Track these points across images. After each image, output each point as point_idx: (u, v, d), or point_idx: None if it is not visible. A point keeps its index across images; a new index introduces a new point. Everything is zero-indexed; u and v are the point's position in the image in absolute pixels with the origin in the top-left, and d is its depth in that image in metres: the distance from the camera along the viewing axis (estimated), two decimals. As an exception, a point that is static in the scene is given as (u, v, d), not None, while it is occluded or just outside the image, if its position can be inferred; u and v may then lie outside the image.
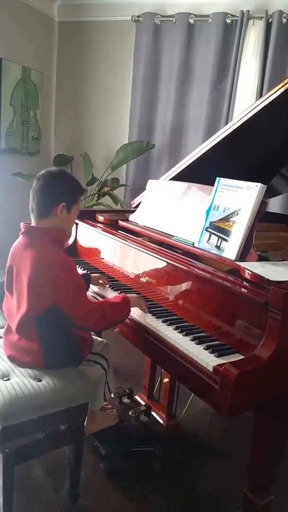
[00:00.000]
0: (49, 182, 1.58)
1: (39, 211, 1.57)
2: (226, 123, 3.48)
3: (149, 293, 1.80)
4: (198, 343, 1.41)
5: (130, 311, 1.62)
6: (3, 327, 1.85)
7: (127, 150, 3.80)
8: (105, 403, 1.94)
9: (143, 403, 2.18)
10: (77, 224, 2.35)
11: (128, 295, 1.68)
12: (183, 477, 1.85)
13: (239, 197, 1.60)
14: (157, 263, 1.76)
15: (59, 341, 1.57)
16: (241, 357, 1.31)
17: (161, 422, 2.07)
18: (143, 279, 1.85)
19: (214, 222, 1.65)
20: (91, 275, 1.97)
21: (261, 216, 1.56)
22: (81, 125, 4.31)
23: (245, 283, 1.39)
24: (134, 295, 1.71)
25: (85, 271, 2.03)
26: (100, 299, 1.87)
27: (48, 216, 1.57)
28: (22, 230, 1.60)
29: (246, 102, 3.52)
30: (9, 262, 1.64)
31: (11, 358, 1.61)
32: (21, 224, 1.61)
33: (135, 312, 1.68)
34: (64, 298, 1.49)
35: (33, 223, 1.60)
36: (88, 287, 1.92)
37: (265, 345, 1.26)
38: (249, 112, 1.82)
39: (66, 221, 1.62)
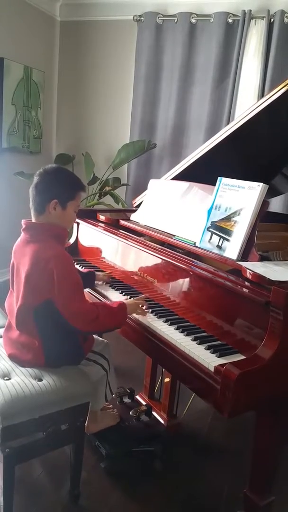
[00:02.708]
0: (43, 179, 1.60)
1: (36, 209, 1.59)
2: (228, 122, 3.48)
3: (150, 293, 1.79)
4: (200, 343, 1.41)
5: (126, 318, 1.60)
6: (2, 327, 1.86)
7: (128, 149, 3.80)
8: (106, 403, 1.94)
9: (144, 403, 2.18)
10: (78, 223, 2.36)
11: (126, 301, 1.65)
12: (184, 477, 1.85)
13: (241, 196, 1.59)
14: (158, 262, 1.76)
15: (59, 337, 1.57)
16: (243, 357, 1.31)
17: (162, 422, 2.07)
18: (144, 279, 1.85)
19: (216, 221, 1.65)
20: (97, 273, 1.97)
21: (263, 216, 1.56)
22: (82, 124, 4.31)
23: (246, 283, 1.39)
24: (132, 301, 1.67)
25: (90, 269, 2.02)
26: (101, 298, 1.87)
27: (43, 213, 1.58)
28: (23, 226, 1.61)
29: (248, 102, 3.51)
30: (12, 259, 1.65)
31: (11, 357, 1.61)
32: (22, 221, 1.62)
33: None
34: (59, 294, 1.48)
35: (33, 220, 1.62)
36: (93, 284, 1.93)
37: (266, 345, 1.26)
38: (251, 112, 1.82)
39: (62, 218, 1.60)
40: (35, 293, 1.51)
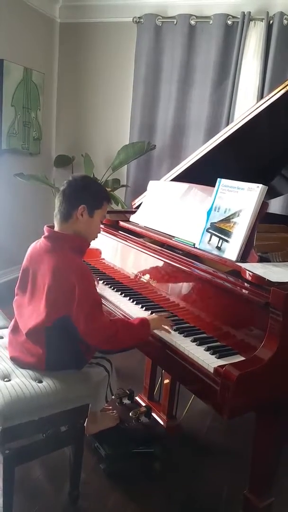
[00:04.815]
0: (71, 186, 1.60)
1: (62, 215, 1.58)
2: (227, 124, 3.49)
3: (149, 294, 1.80)
4: (199, 344, 1.41)
5: (148, 334, 1.54)
6: (3, 328, 1.86)
7: (128, 150, 3.80)
8: (106, 404, 1.94)
9: (143, 404, 2.18)
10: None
11: (149, 316, 1.59)
12: (183, 479, 1.85)
13: (240, 198, 1.59)
14: (158, 264, 1.76)
15: (63, 347, 1.56)
16: (242, 358, 1.31)
17: (162, 423, 2.07)
18: (143, 280, 1.85)
19: (215, 223, 1.65)
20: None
21: (262, 217, 1.56)
22: (82, 125, 4.31)
23: (246, 284, 1.39)
24: (155, 316, 1.60)
25: None
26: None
27: (69, 220, 1.57)
28: (46, 234, 1.60)
29: (247, 103, 3.52)
30: (25, 263, 1.64)
31: (13, 359, 1.61)
32: (45, 228, 1.61)
33: (136, 314, 1.67)
34: (79, 310, 1.47)
35: (56, 228, 1.61)
36: None
37: (266, 346, 1.26)
38: (250, 113, 1.82)
39: (88, 226, 1.60)
40: (54, 308, 1.49)
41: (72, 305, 1.46)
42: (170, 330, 1.53)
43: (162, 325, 1.55)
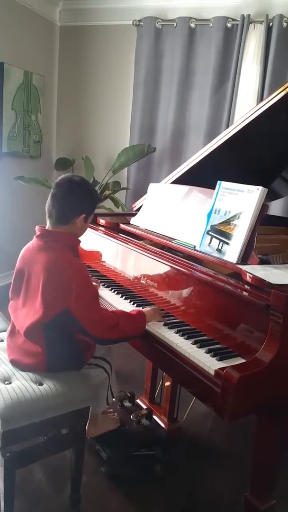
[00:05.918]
0: (73, 191, 1.60)
1: (58, 218, 1.58)
2: (227, 126, 3.49)
3: (150, 296, 1.80)
4: (200, 347, 1.41)
5: (145, 325, 1.57)
6: (3, 331, 1.86)
7: (128, 153, 3.81)
8: (107, 406, 1.94)
9: (144, 406, 2.18)
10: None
11: (144, 309, 1.64)
12: (184, 481, 1.84)
13: (240, 200, 1.60)
14: (158, 266, 1.76)
15: (62, 345, 1.57)
16: (243, 360, 1.31)
17: (163, 426, 2.07)
18: (144, 282, 1.85)
19: (215, 225, 1.65)
20: None
21: (262, 219, 1.56)
22: (82, 128, 4.32)
23: (246, 286, 1.39)
24: (149, 309, 1.65)
25: None
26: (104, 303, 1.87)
27: (66, 224, 1.59)
28: (38, 233, 1.60)
29: (247, 106, 3.52)
30: (19, 265, 1.64)
31: (13, 362, 1.61)
32: (37, 227, 1.61)
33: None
34: (78, 304, 1.48)
35: (48, 227, 1.61)
36: None
37: (266, 348, 1.26)
38: (250, 116, 1.82)
39: (81, 229, 1.66)
40: (51, 304, 1.50)
41: (70, 298, 1.47)
42: (162, 320, 1.61)
43: (156, 319, 1.61)
